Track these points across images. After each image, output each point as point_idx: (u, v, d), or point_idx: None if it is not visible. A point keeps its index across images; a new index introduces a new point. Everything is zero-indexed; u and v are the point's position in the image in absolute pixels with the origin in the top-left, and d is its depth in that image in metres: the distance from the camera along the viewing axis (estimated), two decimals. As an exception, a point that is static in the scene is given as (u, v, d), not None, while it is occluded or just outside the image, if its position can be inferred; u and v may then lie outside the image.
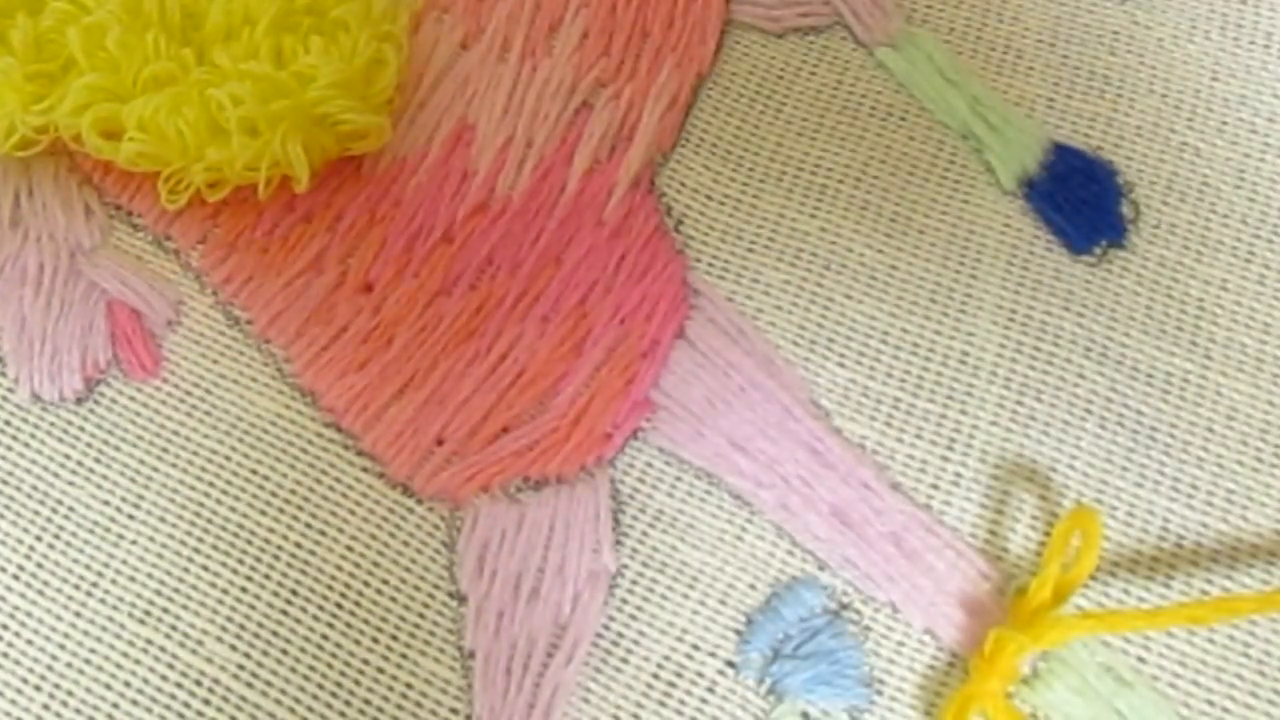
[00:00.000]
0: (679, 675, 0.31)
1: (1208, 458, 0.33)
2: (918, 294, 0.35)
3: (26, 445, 0.35)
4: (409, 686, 0.32)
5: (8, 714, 0.32)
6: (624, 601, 0.32)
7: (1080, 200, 0.36)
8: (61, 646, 0.33)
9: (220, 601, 0.33)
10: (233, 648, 0.32)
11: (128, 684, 0.32)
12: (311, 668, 0.32)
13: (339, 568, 0.33)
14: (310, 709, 0.32)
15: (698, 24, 0.39)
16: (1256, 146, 0.37)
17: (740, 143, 0.38)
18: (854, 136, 0.37)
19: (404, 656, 0.32)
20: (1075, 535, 0.31)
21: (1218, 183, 0.36)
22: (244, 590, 0.33)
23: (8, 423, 0.35)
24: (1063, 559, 0.31)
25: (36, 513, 0.34)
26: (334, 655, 0.32)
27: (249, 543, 0.33)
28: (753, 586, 0.32)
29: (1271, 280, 0.35)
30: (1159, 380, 0.33)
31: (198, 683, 0.32)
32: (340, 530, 0.33)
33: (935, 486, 0.33)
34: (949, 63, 0.38)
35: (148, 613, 0.33)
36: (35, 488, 0.35)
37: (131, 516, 0.34)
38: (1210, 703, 0.30)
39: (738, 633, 0.32)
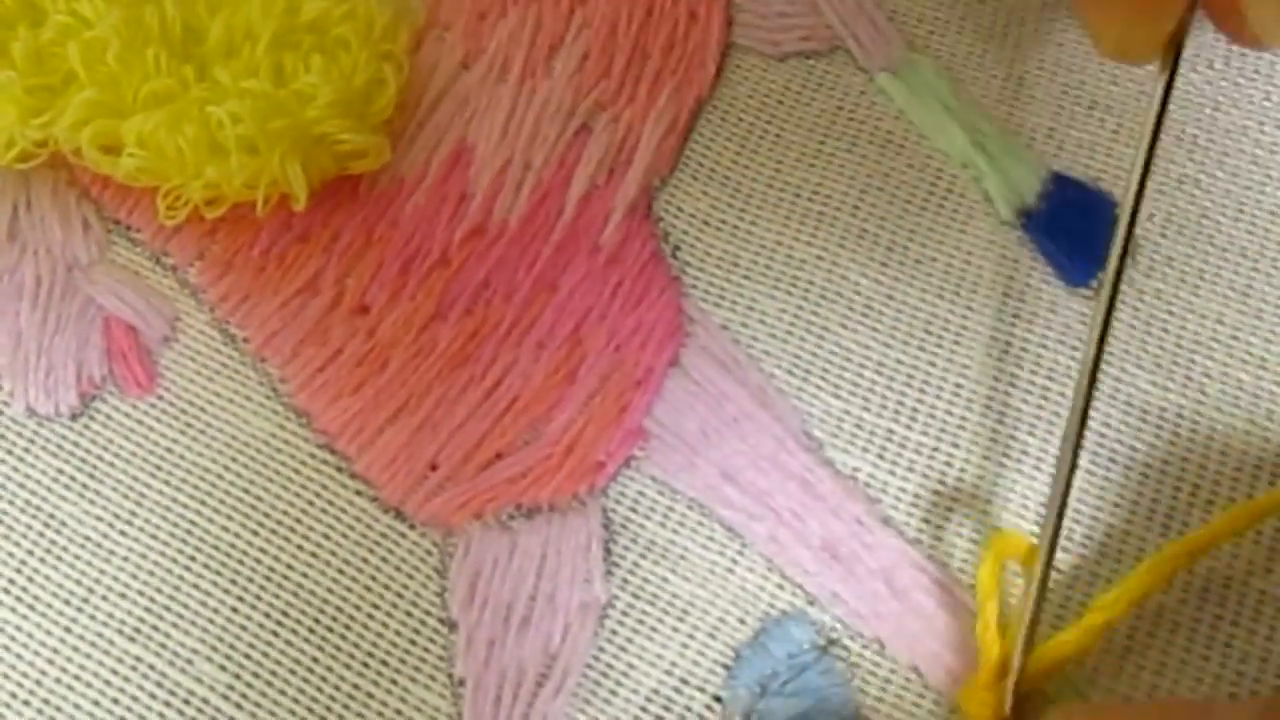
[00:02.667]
0: (667, 709, 0.31)
1: (1199, 495, 0.32)
2: (912, 324, 0.35)
3: (20, 460, 0.35)
4: (398, 713, 0.32)
5: (-5, 729, 0.32)
6: (614, 633, 0.32)
7: (1078, 232, 0.36)
8: (50, 662, 0.33)
9: (211, 621, 0.33)
10: (222, 668, 0.32)
11: (116, 701, 0.32)
12: (301, 690, 0.32)
13: (330, 591, 0.33)
14: (299, 732, 0.32)
15: (698, 47, 0.39)
16: (1257, 179, 0.36)
17: (739, 168, 0.37)
18: (853, 163, 0.37)
19: (394, 683, 0.32)
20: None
21: (1217, 215, 0.36)
22: (234, 610, 0.33)
23: (2, 437, 0.35)
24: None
25: (29, 527, 0.34)
26: (324, 679, 0.32)
27: (240, 563, 0.33)
28: (742, 621, 0.32)
29: (1269, 315, 0.35)
30: (1153, 416, 0.33)
31: (186, 702, 0.32)
32: (332, 554, 0.33)
33: (926, 521, 0.33)
34: (949, 90, 0.38)
35: (138, 630, 0.33)
36: (28, 502, 0.35)
37: (124, 533, 0.34)
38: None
39: (726, 667, 0.31)
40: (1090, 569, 0.32)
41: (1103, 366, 0.34)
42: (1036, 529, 0.32)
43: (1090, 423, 0.33)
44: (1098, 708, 0.31)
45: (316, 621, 0.33)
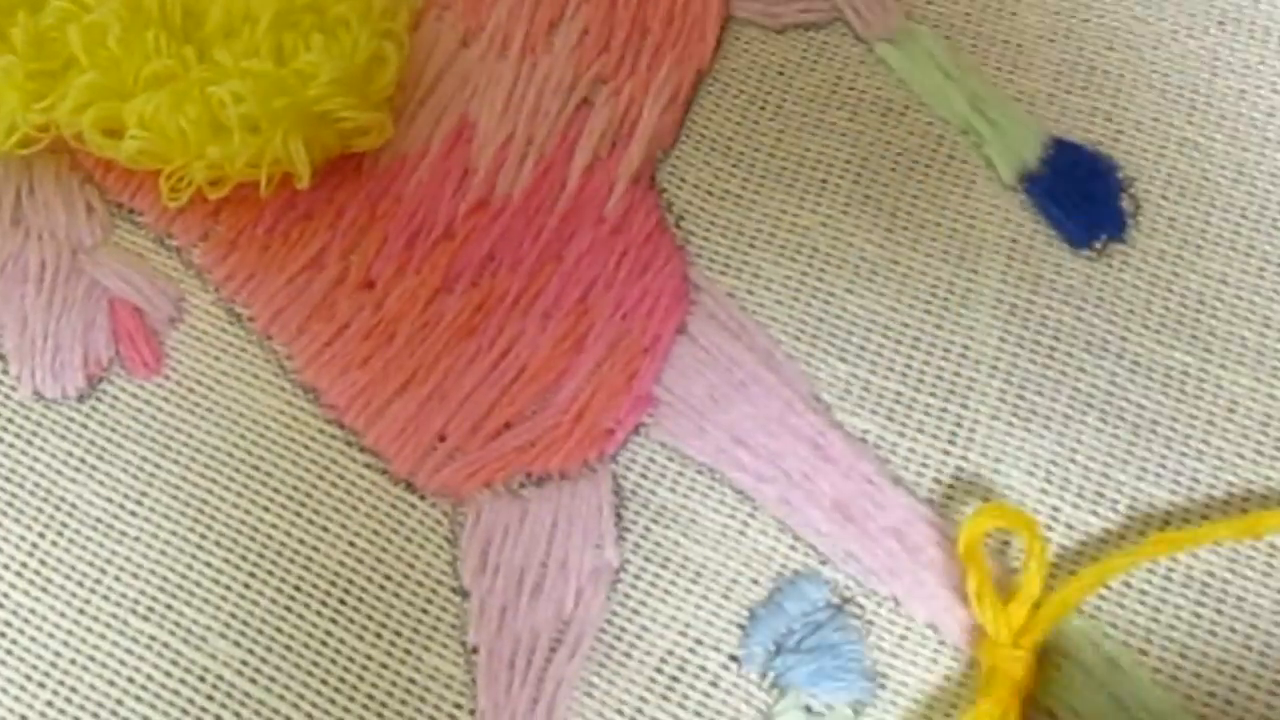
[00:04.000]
0: (682, 670, 0.31)
1: (1208, 451, 0.33)
2: (918, 288, 0.35)
3: (29, 443, 0.35)
4: (412, 682, 0.32)
5: (11, 711, 0.32)
6: (627, 597, 0.32)
7: (1080, 195, 0.36)
8: (65, 643, 0.33)
9: (223, 598, 0.33)
10: (236, 644, 0.32)
11: (131, 680, 0.32)
12: (315, 663, 0.32)
13: (342, 564, 0.33)
14: (314, 704, 0.32)
15: (697, 20, 0.39)
16: (1255, 141, 0.37)
17: (740, 138, 0.38)
18: (854, 132, 0.37)
19: (407, 652, 0.32)
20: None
21: (1217, 177, 0.36)
22: (247, 586, 0.33)
23: (10, 420, 0.36)
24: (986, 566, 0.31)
25: (39, 509, 0.34)
26: (337, 651, 0.32)
27: (252, 539, 0.34)
28: (755, 581, 0.32)
29: (1271, 274, 0.35)
30: (1159, 374, 0.34)
31: (201, 678, 0.32)
32: (343, 526, 0.33)
33: (937, 480, 0.33)
34: (949, 58, 0.38)
35: (151, 609, 0.33)
36: (38, 485, 0.35)
37: (134, 513, 0.34)
38: (1212, 694, 0.30)
39: (741, 627, 0.32)
40: (1102, 525, 0.32)
41: (1109, 326, 0.34)
42: (1046, 485, 0.32)
43: (1097, 381, 0.33)
44: None
45: (329, 594, 0.33)
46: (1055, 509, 0.32)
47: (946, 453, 0.33)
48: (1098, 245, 0.35)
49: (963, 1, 0.39)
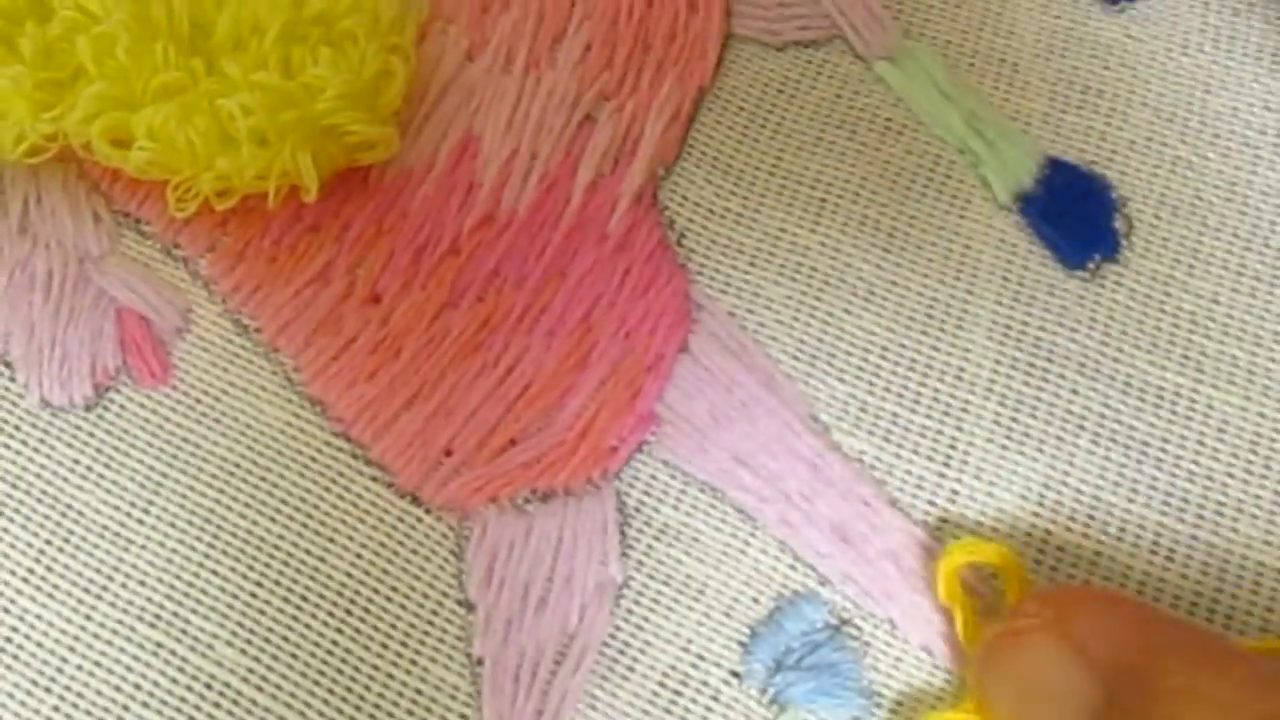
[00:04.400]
0: (684, 684, 0.32)
1: (1198, 471, 0.33)
2: (915, 309, 0.36)
3: (36, 450, 0.36)
4: (419, 692, 0.32)
5: (17, 716, 0.33)
6: (630, 612, 0.33)
7: (1074, 215, 0.36)
8: (71, 649, 0.33)
9: (230, 606, 0.33)
10: (243, 652, 0.33)
11: (138, 686, 0.33)
12: (321, 672, 0.33)
13: (349, 575, 0.33)
14: (320, 713, 0.32)
15: (699, 37, 0.40)
16: (1248, 159, 0.37)
17: (741, 156, 0.38)
18: (853, 150, 0.38)
19: (413, 663, 0.32)
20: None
21: (1210, 196, 0.37)
22: (254, 595, 0.33)
23: (17, 428, 0.36)
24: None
25: (46, 517, 0.35)
26: (344, 660, 0.33)
27: (259, 549, 0.34)
28: (756, 600, 0.33)
29: (1263, 293, 0.35)
30: (1151, 395, 0.34)
31: (208, 686, 0.33)
32: (350, 538, 0.34)
33: (932, 503, 0.33)
34: (946, 76, 0.39)
35: (158, 616, 0.33)
36: (45, 492, 0.35)
37: (141, 521, 0.34)
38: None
39: (741, 644, 0.32)
40: (1092, 548, 0.32)
41: (1101, 348, 0.35)
42: (1039, 509, 0.33)
43: (1090, 403, 0.34)
44: (1111, 595, 0.31)
45: (335, 605, 0.33)
46: (1047, 533, 0.33)
47: (942, 475, 0.33)
48: (1091, 266, 0.36)
49: (960, 19, 0.39)
